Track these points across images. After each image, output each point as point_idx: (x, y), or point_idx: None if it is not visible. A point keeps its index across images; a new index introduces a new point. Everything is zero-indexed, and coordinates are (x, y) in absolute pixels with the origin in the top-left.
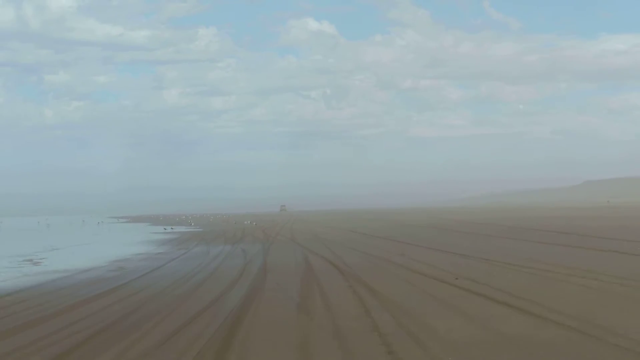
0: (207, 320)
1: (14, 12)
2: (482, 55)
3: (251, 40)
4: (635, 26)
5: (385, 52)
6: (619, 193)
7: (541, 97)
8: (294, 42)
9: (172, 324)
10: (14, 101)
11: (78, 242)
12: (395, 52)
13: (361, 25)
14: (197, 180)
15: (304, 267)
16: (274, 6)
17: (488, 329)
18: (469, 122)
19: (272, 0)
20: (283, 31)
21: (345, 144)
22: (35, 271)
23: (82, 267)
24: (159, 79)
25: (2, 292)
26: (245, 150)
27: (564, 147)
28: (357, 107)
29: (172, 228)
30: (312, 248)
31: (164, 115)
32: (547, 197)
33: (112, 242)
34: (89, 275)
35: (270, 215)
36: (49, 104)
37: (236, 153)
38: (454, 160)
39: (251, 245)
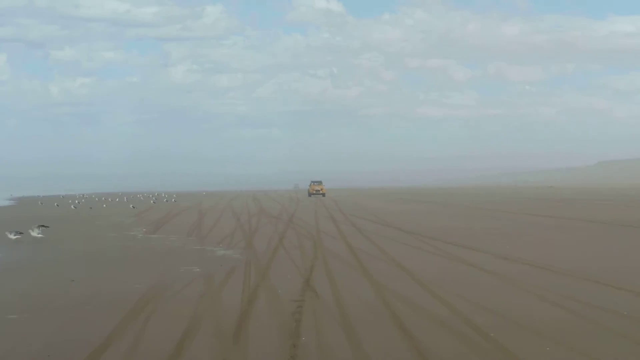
0: None
1: None
2: (490, 34)
3: (258, 18)
4: None
5: (393, 31)
6: (634, 174)
7: (548, 78)
8: (301, 20)
9: None
10: (18, 77)
11: None
12: (403, 31)
13: (369, 3)
14: (203, 157)
15: None
16: None
17: None
18: (476, 102)
19: None
20: (290, 9)
21: (352, 123)
22: None
23: None
24: (166, 57)
25: None
26: (251, 129)
27: (573, 129)
28: (364, 86)
29: None
30: None
31: (170, 92)
32: (562, 176)
33: None
34: None
35: (262, 197)
36: (55, 80)
37: (241, 131)
38: (460, 140)
39: None
